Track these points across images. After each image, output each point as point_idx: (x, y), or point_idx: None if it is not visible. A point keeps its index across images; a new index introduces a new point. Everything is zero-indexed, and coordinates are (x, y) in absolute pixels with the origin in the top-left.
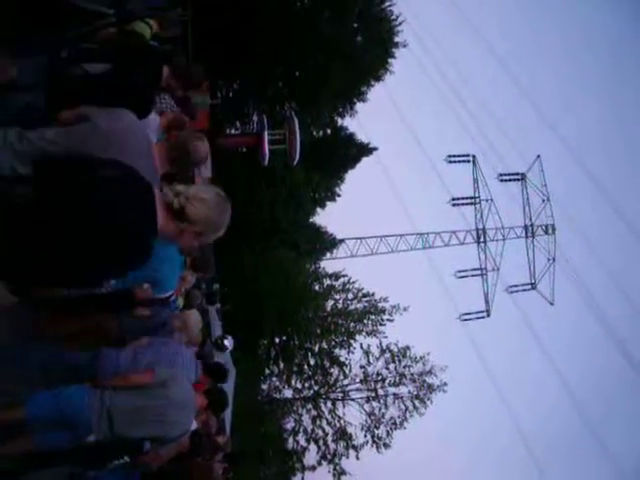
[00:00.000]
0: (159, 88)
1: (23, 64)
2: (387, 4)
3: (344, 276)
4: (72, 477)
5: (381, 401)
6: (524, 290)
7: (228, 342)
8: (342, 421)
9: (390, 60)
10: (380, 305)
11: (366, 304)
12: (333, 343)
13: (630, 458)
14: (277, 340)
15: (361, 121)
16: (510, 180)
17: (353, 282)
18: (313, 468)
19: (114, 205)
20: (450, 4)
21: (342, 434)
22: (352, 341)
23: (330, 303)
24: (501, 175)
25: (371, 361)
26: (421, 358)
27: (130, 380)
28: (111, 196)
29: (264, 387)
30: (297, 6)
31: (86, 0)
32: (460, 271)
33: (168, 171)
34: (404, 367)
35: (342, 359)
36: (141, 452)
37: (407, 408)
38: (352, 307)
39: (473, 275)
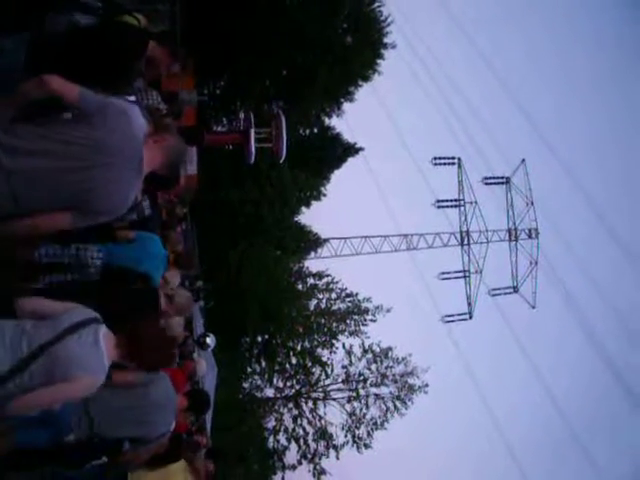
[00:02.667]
0: (141, 55)
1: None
2: (376, 5)
3: (328, 276)
4: (54, 477)
5: (362, 401)
6: (506, 293)
7: (210, 340)
8: (323, 421)
9: (379, 61)
10: (363, 305)
11: (349, 304)
12: (315, 342)
13: (609, 457)
14: (259, 338)
15: (348, 121)
16: (495, 183)
17: (337, 282)
18: (293, 467)
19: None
20: (439, 6)
21: (323, 434)
22: (334, 341)
23: (313, 302)
24: (486, 178)
25: (353, 361)
26: (403, 359)
27: (111, 380)
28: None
29: (246, 385)
30: (286, 4)
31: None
32: (443, 273)
33: (157, 170)
34: (386, 368)
35: (324, 359)
36: (120, 452)
37: (388, 409)
38: (335, 307)
39: (456, 277)
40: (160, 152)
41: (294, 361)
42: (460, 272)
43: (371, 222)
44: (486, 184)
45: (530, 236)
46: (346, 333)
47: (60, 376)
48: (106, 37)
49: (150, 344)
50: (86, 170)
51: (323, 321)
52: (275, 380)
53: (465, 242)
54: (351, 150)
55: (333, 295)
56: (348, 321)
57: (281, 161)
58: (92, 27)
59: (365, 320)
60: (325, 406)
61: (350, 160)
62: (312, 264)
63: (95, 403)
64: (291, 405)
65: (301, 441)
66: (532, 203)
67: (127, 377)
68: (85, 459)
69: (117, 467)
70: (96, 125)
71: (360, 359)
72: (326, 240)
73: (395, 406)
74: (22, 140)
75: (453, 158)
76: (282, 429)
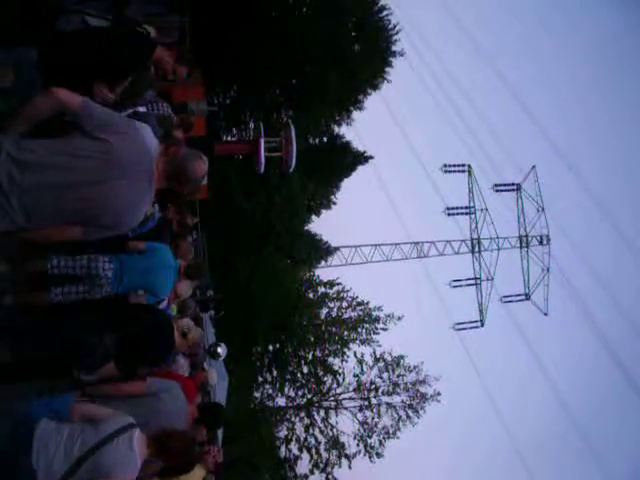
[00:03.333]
0: (149, 57)
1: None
2: (385, 13)
3: (339, 284)
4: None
5: (374, 410)
6: (518, 300)
7: (221, 350)
8: (335, 430)
9: (387, 69)
10: (374, 314)
11: (360, 312)
12: (327, 351)
13: (622, 472)
14: (270, 348)
15: (357, 129)
16: (505, 190)
17: (347, 290)
18: (305, 477)
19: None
20: (447, 14)
21: (335, 443)
22: (346, 350)
23: (324, 311)
24: (496, 185)
25: (364, 370)
26: (415, 367)
27: (121, 389)
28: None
29: (257, 395)
30: (295, 14)
31: (84, 6)
32: (454, 280)
33: (164, 187)
34: (398, 376)
35: (335, 367)
36: None
37: (400, 417)
38: (346, 315)
39: (467, 285)
40: (165, 162)
41: (305, 370)
42: (471, 279)
43: (382, 230)
44: (496, 191)
45: (541, 243)
46: (357, 342)
47: (101, 478)
48: (116, 36)
49: (177, 452)
50: (98, 185)
51: (334, 330)
52: (286, 389)
53: (476, 249)
54: (361, 158)
55: (344, 304)
56: (359, 330)
57: (291, 170)
58: (103, 28)
59: (376, 328)
60: (337, 415)
61: (360, 168)
62: (323, 273)
63: None
64: (303, 414)
65: (313, 450)
66: (543, 209)
67: (137, 387)
68: None
69: None
70: (109, 140)
71: (372, 368)
72: (337, 248)
73: (407, 415)
74: (34, 155)
75: (463, 165)
76: (294, 438)
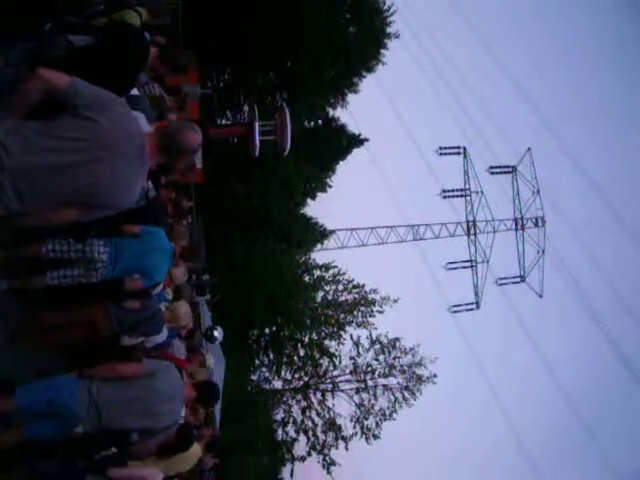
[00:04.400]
0: (143, 69)
1: (7, 50)
2: None
3: (334, 267)
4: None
5: (370, 392)
6: (513, 282)
7: (218, 333)
8: (331, 412)
9: (382, 51)
10: (370, 297)
11: (356, 295)
12: (323, 334)
13: (616, 445)
14: (267, 331)
15: (352, 112)
16: (501, 173)
17: (343, 273)
18: (302, 459)
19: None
20: None
21: (331, 425)
22: (342, 332)
23: (320, 294)
24: (492, 168)
25: (361, 352)
26: (411, 350)
27: (117, 370)
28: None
29: (254, 378)
30: None
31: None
32: (450, 263)
33: (159, 161)
34: (394, 358)
35: (332, 350)
36: (129, 443)
37: (396, 399)
38: (342, 298)
39: (463, 267)
40: (157, 137)
41: (302, 353)
42: (467, 262)
43: (377, 213)
44: (492, 173)
45: (537, 225)
46: (354, 324)
47: None
48: (107, 57)
49: None
50: (89, 165)
51: (330, 313)
52: (283, 372)
53: (472, 232)
54: (356, 141)
55: (340, 287)
56: (355, 312)
57: (286, 153)
58: (91, 47)
59: (372, 311)
60: (333, 397)
61: (355, 151)
62: (319, 256)
63: (102, 394)
64: (299, 397)
65: (310, 433)
66: (538, 192)
67: (133, 368)
68: (93, 450)
69: (126, 457)
70: (99, 119)
71: (368, 350)
72: (332, 231)
73: (403, 397)
74: (24, 139)
75: (458, 148)
76: (291, 421)
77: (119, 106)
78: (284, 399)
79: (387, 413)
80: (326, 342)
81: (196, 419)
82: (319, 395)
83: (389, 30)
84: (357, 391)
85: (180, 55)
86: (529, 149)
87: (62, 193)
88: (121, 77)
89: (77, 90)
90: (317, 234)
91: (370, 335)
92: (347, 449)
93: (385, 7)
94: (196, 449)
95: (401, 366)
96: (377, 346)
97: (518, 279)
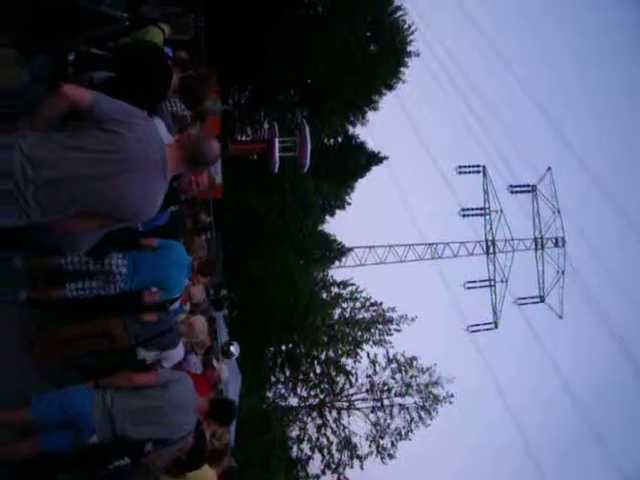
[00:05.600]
0: (165, 96)
1: (33, 61)
2: (400, 13)
3: (352, 284)
4: None
5: (386, 411)
6: (533, 302)
7: (234, 348)
8: (347, 430)
9: (402, 69)
10: (388, 315)
11: (374, 313)
12: (340, 352)
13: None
14: (283, 347)
15: (372, 130)
16: (520, 192)
17: (361, 291)
18: (317, 477)
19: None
20: (463, 15)
21: (347, 443)
22: (359, 350)
23: (337, 311)
24: (511, 187)
25: (377, 371)
26: (427, 369)
27: (132, 380)
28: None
29: (270, 394)
30: (310, 14)
31: (102, 4)
32: (468, 282)
33: (181, 172)
34: (410, 377)
35: (348, 368)
36: (142, 453)
37: (412, 419)
38: (359, 316)
39: (481, 286)
40: (179, 149)
41: (318, 370)
42: (486, 281)
43: (396, 231)
44: (512, 192)
45: (557, 245)
46: (370, 342)
47: None
48: (128, 90)
49: None
50: (113, 177)
51: (347, 330)
52: (299, 389)
53: (491, 251)
54: (375, 159)
55: (357, 304)
56: (372, 330)
57: (305, 170)
58: (111, 82)
59: (390, 329)
60: (349, 416)
61: (374, 169)
62: (336, 273)
63: (115, 404)
64: (315, 414)
65: (325, 451)
66: (559, 211)
67: (147, 378)
68: (108, 460)
69: (140, 469)
70: (122, 132)
71: (384, 369)
72: (350, 249)
73: (420, 416)
74: (47, 151)
75: (478, 166)
76: (306, 438)
77: (141, 119)
78: (300, 416)
79: (403, 432)
80: (343, 360)
81: (220, 444)
82: (335, 413)
83: (409, 48)
84: (373, 410)
85: (199, 86)
86: (549, 168)
87: (84, 205)
88: (144, 105)
89: (99, 104)
90: (335, 251)
91: (387, 353)
92: (362, 468)
93: (406, 26)
94: (211, 474)
95: (418, 385)
96: (394, 365)
97: (537, 299)
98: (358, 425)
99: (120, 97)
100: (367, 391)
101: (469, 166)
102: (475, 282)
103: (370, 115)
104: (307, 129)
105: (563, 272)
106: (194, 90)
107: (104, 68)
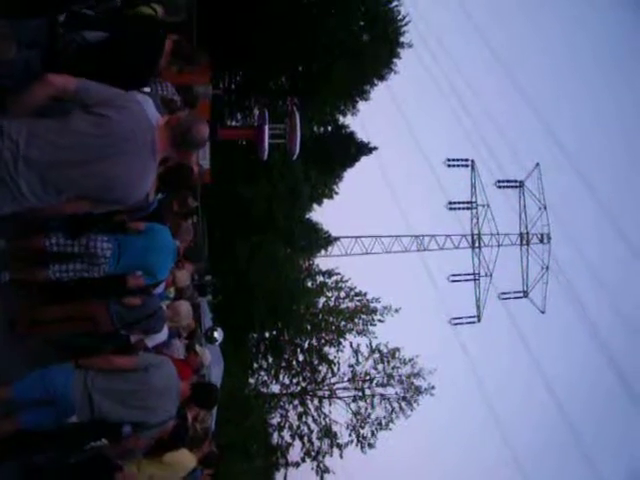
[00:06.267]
0: (159, 60)
1: (22, 28)
2: (394, 4)
3: (337, 274)
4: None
5: (368, 401)
6: (516, 297)
7: (218, 334)
8: (328, 419)
9: (395, 60)
10: (372, 305)
11: (358, 303)
12: (323, 340)
13: (615, 471)
14: (267, 334)
15: (362, 120)
16: (508, 187)
17: (346, 280)
18: (297, 464)
19: None
20: (456, 8)
21: (327, 432)
22: (342, 339)
23: (322, 300)
24: (499, 181)
25: (360, 360)
26: (410, 360)
27: (112, 362)
28: None
29: (252, 381)
30: (304, 1)
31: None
32: (453, 275)
33: (170, 154)
34: (392, 368)
35: (331, 357)
36: (120, 436)
37: (393, 409)
38: (344, 305)
39: (466, 280)
40: (167, 130)
41: (301, 358)
42: (470, 275)
43: (382, 222)
44: (499, 187)
45: (542, 241)
46: (354, 332)
47: None
48: (123, 49)
49: None
50: (101, 161)
51: (331, 319)
52: (281, 377)
53: (476, 245)
54: (365, 149)
55: (342, 294)
56: (356, 320)
57: (294, 157)
58: (106, 41)
59: (373, 320)
60: (330, 404)
61: (363, 159)
62: (322, 262)
63: (96, 385)
64: (296, 402)
65: (305, 439)
66: (545, 208)
67: (128, 361)
68: (84, 441)
69: (118, 452)
70: (108, 115)
71: (367, 359)
72: (337, 238)
73: (400, 407)
74: (37, 136)
75: (467, 160)
76: (287, 426)
77: (128, 102)
78: (281, 404)
79: (383, 423)
80: (325, 348)
81: (202, 427)
82: (316, 401)
83: (402, 39)
84: (354, 399)
85: (193, 50)
86: (538, 164)
87: (76, 189)
88: (137, 69)
89: (86, 90)
90: (322, 240)
91: (370, 344)
92: (342, 457)
93: (399, 17)
94: (190, 458)
95: (399, 376)
96: (376, 355)
97: (521, 294)
98: (339, 414)
99: (113, 58)
100: (349, 380)
101: (458, 159)
102: (460, 275)
103: (361, 105)
104: (297, 116)
105: (547, 268)
106: (189, 53)
107: (97, 28)
